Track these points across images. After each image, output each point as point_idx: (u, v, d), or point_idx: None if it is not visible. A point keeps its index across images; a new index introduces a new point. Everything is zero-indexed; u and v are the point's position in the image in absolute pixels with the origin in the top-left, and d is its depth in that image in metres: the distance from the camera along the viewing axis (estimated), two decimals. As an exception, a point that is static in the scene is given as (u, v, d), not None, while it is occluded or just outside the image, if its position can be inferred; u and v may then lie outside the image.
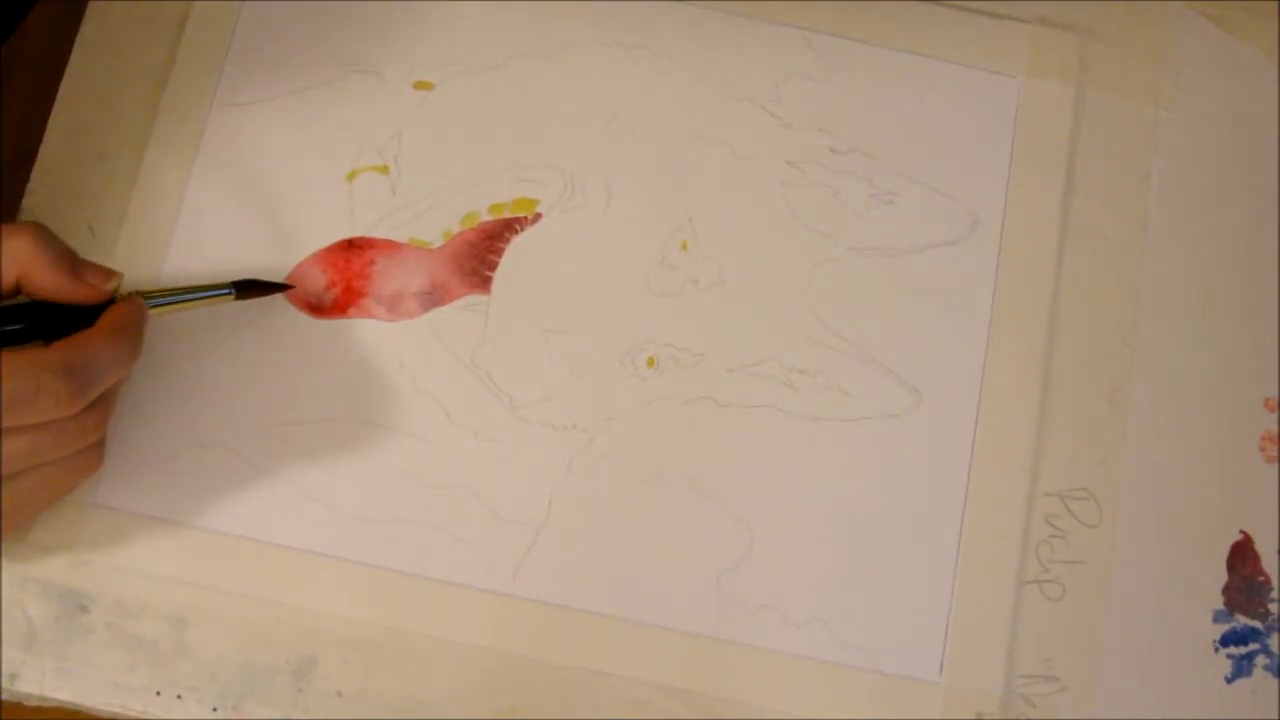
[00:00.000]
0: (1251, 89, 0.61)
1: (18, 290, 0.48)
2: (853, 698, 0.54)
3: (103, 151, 0.57)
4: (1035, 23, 0.61)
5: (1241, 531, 0.57)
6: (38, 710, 0.52)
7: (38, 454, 0.47)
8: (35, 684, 0.52)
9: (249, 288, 0.54)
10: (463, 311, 0.56)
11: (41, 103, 0.58)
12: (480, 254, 0.57)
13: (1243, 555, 0.56)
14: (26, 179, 0.57)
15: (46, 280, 0.48)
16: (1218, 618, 0.56)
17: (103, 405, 0.49)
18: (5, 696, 0.52)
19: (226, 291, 0.53)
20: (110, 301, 0.50)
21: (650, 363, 0.56)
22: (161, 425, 0.54)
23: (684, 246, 0.58)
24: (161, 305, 0.52)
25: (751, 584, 0.55)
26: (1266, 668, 0.55)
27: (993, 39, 0.61)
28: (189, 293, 0.53)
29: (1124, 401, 0.57)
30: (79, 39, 0.58)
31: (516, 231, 0.57)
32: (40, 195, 0.56)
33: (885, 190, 0.59)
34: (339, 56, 0.59)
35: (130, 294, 0.51)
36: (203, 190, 0.57)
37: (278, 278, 0.56)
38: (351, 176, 0.57)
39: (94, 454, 0.50)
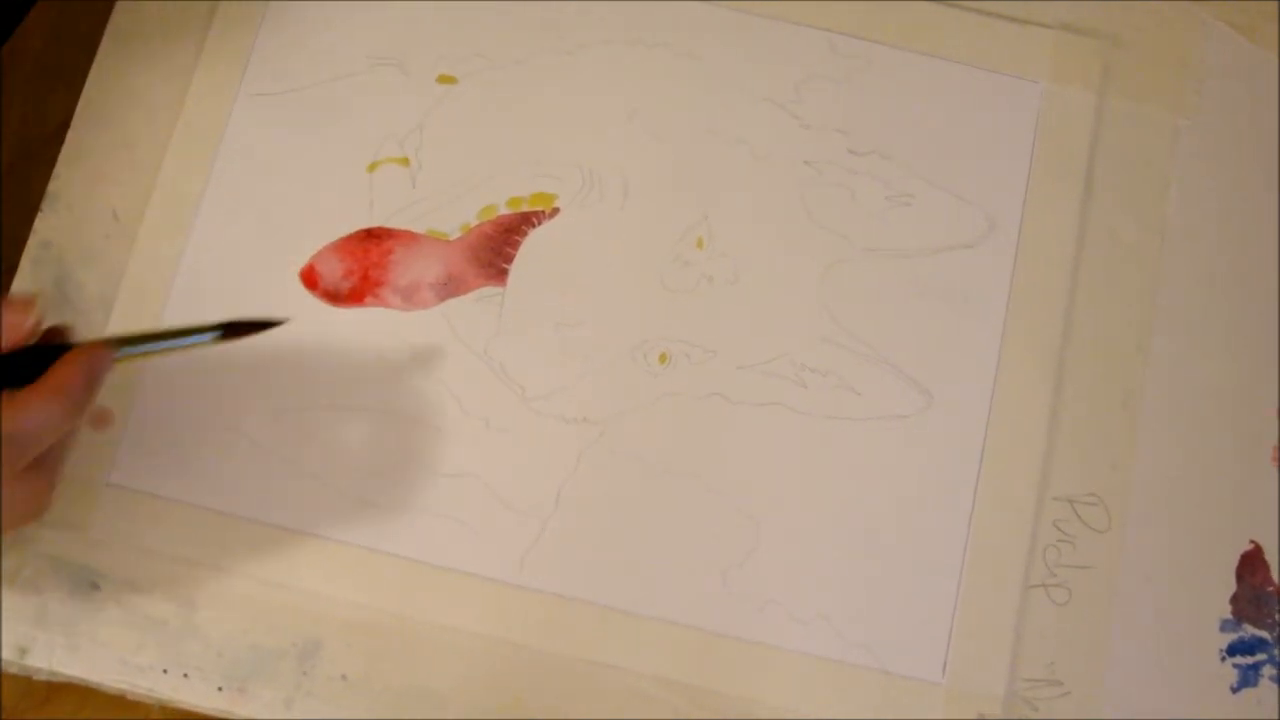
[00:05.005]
0: (1273, 97, 0.61)
1: None
2: (855, 696, 0.54)
3: (128, 139, 0.58)
4: (1058, 28, 0.61)
5: (1251, 541, 0.56)
6: (47, 685, 0.53)
7: None
8: (45, 659, 0.52)
9: (237, 329, 0.47)
10: (478, 303, 0.57)
11: (41, 102, 0.59)
12: (497, 246, 0.57)
13: (1252, 565, 0.56)
14: (27, 179, 0.58)
15: None
16: (1225, 627, 0.55)
17: (51, 458, 0.45)
18: (15, 670, 0.53)
19: (212, 335, 0.47)
20: (67, 348, 0.45)
21: (662, 358, 0.57)
22: (176, 408, 0.55)
23: (699, 244, 0.58)
24: (135, 354, 0.46)
25: (757, 580, 0.55)
26: (1273, 679, 0.55)
27: (1015, 44, 0.61)
28: (169, 338, 0.47)
29: (1136, 407, 0.57)
30: (109, 29, 0.59)
31: (533, 225, 0.58)
32: (65, 180, 0.57)
33: (902, 192, 0.59)
34: (364, 50, 0.59)
35: (99, 342, 0.45)
36: (226, 178, 0.57)
37: (295, 266, 0.56)
38: (372, 168, 0.58)
39: (40, 500, 0.45)
